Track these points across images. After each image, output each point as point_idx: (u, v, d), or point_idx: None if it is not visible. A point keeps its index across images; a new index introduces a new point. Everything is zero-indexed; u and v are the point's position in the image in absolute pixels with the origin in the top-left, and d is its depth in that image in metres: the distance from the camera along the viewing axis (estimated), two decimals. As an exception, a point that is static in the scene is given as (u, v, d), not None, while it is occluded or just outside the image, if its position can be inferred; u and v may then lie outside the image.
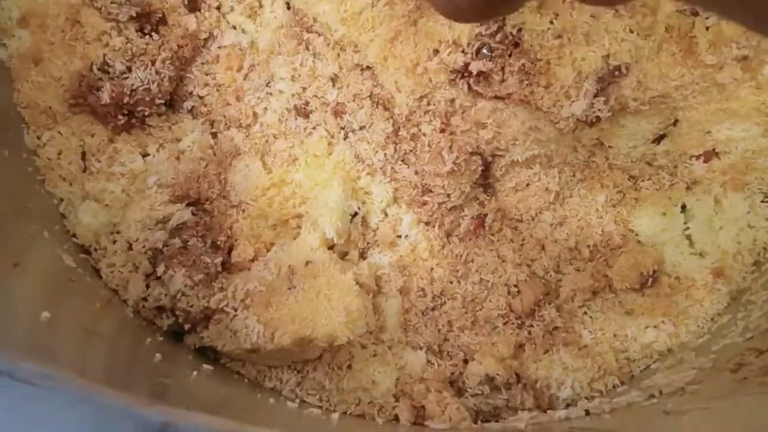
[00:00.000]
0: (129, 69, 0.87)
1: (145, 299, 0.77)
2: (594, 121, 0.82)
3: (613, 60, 0.77)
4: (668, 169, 0.91)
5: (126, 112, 0.86)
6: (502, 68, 0.77)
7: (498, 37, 0.75)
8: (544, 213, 0.91)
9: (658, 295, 0.88)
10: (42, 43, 0.87)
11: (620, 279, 0.88)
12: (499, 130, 0.83)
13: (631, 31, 0.76)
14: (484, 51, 0.77)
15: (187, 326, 0.76)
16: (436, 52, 0.79)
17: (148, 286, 0.78)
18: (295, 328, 0.72)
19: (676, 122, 0.88)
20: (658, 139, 0.89)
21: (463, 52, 0.78)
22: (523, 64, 0.76)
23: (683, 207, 0.91)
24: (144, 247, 0.80)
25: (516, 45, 0.76)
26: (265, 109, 0.89)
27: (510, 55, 0.77)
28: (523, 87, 0.78)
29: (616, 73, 0.78)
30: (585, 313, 0.89)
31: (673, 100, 0.82)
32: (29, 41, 0.87)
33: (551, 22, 0.75)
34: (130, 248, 0.80)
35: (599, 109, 0.81)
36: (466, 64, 0.78)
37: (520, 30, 0.76)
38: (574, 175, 0.91)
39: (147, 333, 0.72)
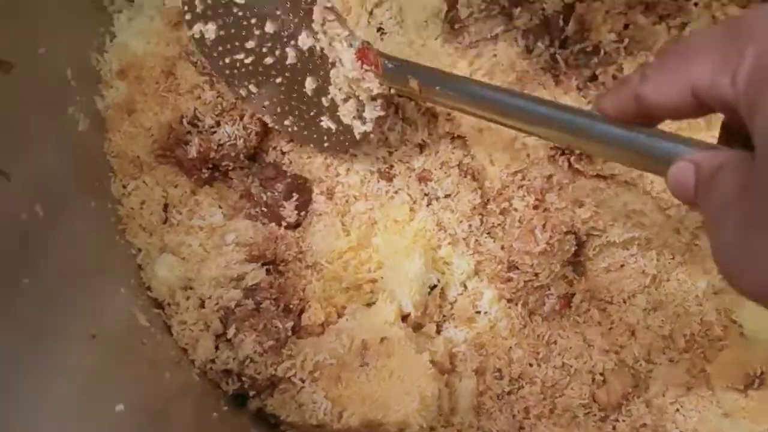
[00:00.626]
0: (218, 123, 0.87)
1: (212, 361, 0.75)
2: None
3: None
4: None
5: (211, 166, 0.86)
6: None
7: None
8: (638, 296, 0.84)
9: (765, 398, 0.78)
10: (137, 93, 0.88)
11: (720, 376, 0.80)
12: (597, 210, 0.78)
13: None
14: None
15: (252, 393, 0.73)
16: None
17: (217, 348, 0.76)
18: (365, 409, 0.68)
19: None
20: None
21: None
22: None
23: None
24: (217, 305, 0.78)
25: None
26: (348, 169, 0.87)
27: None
28: (631, 169, 0.72)
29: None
30: (677, 410, 0.81)
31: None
32: (125, 92, 0.89)
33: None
34: (202, 306, 0.79)
35: None
36: (570, 142, 0.72)
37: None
38: (673, 258, 0.84)
39: (211, 397, 0.69)
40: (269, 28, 0.76)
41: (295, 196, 0.83)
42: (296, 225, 0.85)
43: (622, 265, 0.84)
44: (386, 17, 0.86)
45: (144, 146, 0.87)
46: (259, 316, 0.76)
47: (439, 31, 0.79)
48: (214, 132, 0.86)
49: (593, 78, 0.76)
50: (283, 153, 0.90)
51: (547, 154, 0.76)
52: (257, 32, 0.77)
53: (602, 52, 0.73)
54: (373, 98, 0.73)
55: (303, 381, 0.71)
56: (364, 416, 0.68)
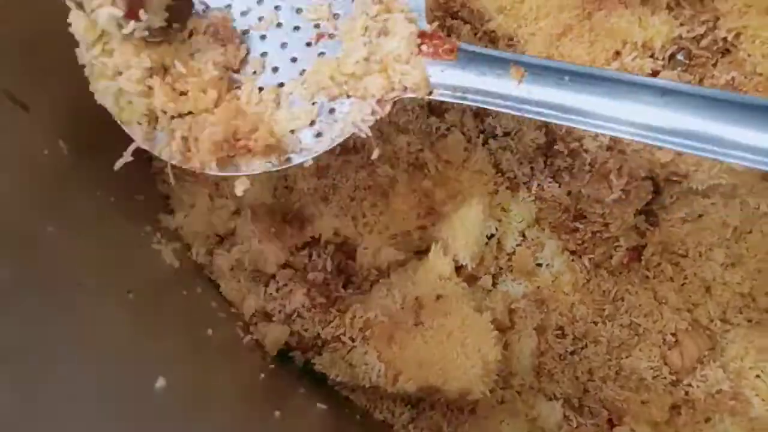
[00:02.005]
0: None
1: (256, 314, 0.69)
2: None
3: None
4: None
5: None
6: (701, 80, 0.61)
7: (704, 43, 0.59)
8: (716, 250, 0.75)
9: None
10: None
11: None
12: (680, 153, 0.68)
13: None
14: (680, 57, 0.61)
15: (298, 350, 0.67)
16: (617, 54, 0.63)
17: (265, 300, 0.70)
18: (423, 374, 0.62)
19: None
20: None
21: (652, 56, 0.62)
22: (733, 78, 0.60)
23: None
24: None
25: (726, 53, 0.60)
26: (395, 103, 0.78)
27: (715, 65, 0.60)
28: (725, 106, 0.62)
29: None
30: (758, 376, 0.73)
31: None
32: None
33: (774, 27, 0.58)
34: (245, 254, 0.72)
35: None
36: (655, 72, 0.62)
37: (738, 35, 0.59)
38: (758, 208, 0.74)
39: (257, 355, 0.63)
40: None
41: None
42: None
43: (701, 215, 0.75)
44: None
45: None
46: (312, 269, 0.70)
47: None
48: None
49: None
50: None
51: None
52: None
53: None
54: (381, 100, 0.53)
55: (353, 340, 0.65)
56: (421, 381, 0.62)
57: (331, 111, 0.54)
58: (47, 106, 0.58)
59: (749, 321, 0.75)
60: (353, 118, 0.53)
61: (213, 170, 0.54)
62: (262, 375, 0.60)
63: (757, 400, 0.71)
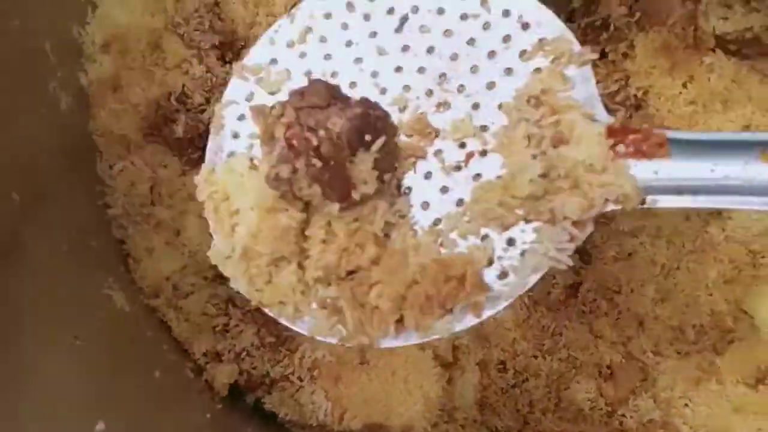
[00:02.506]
0: (207, 101, 0.81)
1: (210, 354, 0.71)
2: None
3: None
4: (795, 245, 0.78)
5: (200, 146, 0.80)
6: (618, 131, 0.67)
7: (618, 98, 0.65)
8: (647, 286, 0.80)
9: (776, 394, 0.75)
10: (122, 68, 0.82)
11: (730, 370, 0.76)
12: (608, 196, 0.72)
13: (781, 100, 0.64)
14: (599, 111, 0.66)
15: (248, 388, 0.69)
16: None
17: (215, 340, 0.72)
18: (368, 411, 0.65)
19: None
20: (786, 213, 0.76)
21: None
22: (645, 129, 0.65)
23: (811, 292, 0.77)
24: (216, 296, 0.74)
25: (638, 107, 0.66)
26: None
27: (630, 118, 0.66)
28: (641, 154, 0.67)
29: (754, 144, 0.66)
30: (686, 405, 0.77)
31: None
32: (110, 67, 0.82)
33: (684, 86, 0.64)
34: (201, 295, 0.75)
35: None
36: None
37: (646, 92, 0.65)
38: (683, 246, 0.80)
39: (205, 395, 0.65)
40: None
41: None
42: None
43: (631, 254, 0.80)
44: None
45: (131, 124, 0.81)
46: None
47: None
48: (204, 110, 0.80)
49: (603, 56, 0.70)
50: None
51: None
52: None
53: (612, 26, 0.67)
54: (578, 222, 0.42)
55: (301, 380, 0.67)
56: (366, 418, 0.64)
57: (510, 242, 0.44)
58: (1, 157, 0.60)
59: (679, 353, 0.79)
60: (545, 248, 0.43)
61: (389, 341, 0.44)
62: (209, 415, 0.61)
63: (686, 428, 0.75)
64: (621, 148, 0.42)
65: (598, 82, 0.63)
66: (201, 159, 0.80)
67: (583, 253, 0.80)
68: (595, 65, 0.66)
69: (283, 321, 0.47)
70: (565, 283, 0.78)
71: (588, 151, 0.42)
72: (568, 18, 0.68)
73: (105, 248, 0.72)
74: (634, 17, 0.65)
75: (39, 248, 0.61)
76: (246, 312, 0.73)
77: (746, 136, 0.41)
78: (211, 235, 0.68)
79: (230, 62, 0.83)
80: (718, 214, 0.78)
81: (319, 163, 0.41)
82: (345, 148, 0.42)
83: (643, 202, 0.42)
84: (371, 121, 0.44)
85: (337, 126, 0.42)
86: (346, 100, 0.45)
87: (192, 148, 0.80)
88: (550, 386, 0.77)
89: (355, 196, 0.42)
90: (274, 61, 0.55)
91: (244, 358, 0.70)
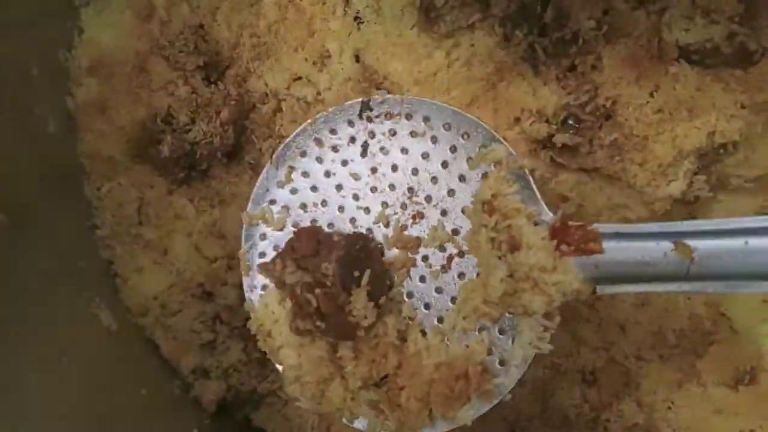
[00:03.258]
0: (193, 121, 0.82)
1: (198, 371, 0.71)
2: (692, 201, 0.72)
3: (720, 137, 0.67)
4: (770, 250, 0.79)
5: (186, 165, 0.82)
6: (591, 141, 0.69)
7: (588, 108, 0.67)
8: (626, 292, 0.81)
9: (756, 394, 0.76)
10: (108, 91, 0.84)
11: (711, 371, 0.78)
12: (582, 203, 0.74)
13: (743, 107, 0.66)
14: (570, 122, 0.68)
15: (236, 404, 0.70)
16: (518, 120, 0.70)
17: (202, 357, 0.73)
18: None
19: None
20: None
21: (547, 121, 0.69)
22: (616, 139, 0.67)
23: (785, 293, 0.79)
24: (204, 313, 0.75)
25: (608, 117, 0.68)
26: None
27: (600, 127, 0.68)
28: (614, 162, 0.69)
29: (722, 150, 0.68)
30: (669, 408, 0.78)
31: (785, 179, 0.72)
32: (96, 90, 0.84)
33: (651, 95, 0.66)
34: (188, 313, 0.76)
35: (699, 189, 0.71)
36: (550, 135, 0.69)
37: (614, 102, 0.67)
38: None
39: (192, 412, 0.66)
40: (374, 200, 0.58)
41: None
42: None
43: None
44: (363, 5, 0.82)
45: (118, 146, 0.83)
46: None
47: (415, 20, 0.75)
48: (189, 130, 0.82)
49: (572, 68, 0.72)
50: (262, 152, 0.86)
51: (529, 148, 0.72)
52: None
53: (581, 40, 0.69)
54: (548, 314, 0.50)
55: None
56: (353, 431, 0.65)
57: (502, 332, 0.52)
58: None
59: (661, 357, 0.80)
60: (528, 338, 0.51)
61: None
62: (195, 431, 0.62)
63: (669, 430, 0.76)
64: (564, 248, 0.48)
65: (569, 93, 0.65)
66: (186, 178, 0.83)
67: (563, 261, 0.81)
68: (565, 77, 0.69)
69: (346, 422, 0.54)
70: (546, 290, 0.79)
71: (537, 255, 0.49)
72: (540, 33, 0.70)
73: (92, 268, 0.73)
74: (602, 30, 0.68)
75: (26, 269, 0.62)
76: (233, 328, 0.74)
77: (658, 227, 0.46)
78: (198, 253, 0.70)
79: (215, 82, 0.85)
80: (693, 218, 0.80)
81: (323, 325, 0.49)
82: (341, 293, 0.50)
83: (593, 291, 0.48)
84: (356, 255, 0.52)
85: (329, 270, 0.49)
86: (330, 240, 0.52)
87: (178, 168, 0.81)
88: (535, 393, 0.78)
89: (360, 332, 0.50)
90: (272, 202, 0.62)
91: (231, 374, 0.71)
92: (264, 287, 0.58)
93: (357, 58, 0.83)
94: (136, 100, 0.84)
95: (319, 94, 0.86)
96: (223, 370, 0.70)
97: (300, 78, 0.86)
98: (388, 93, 0.81)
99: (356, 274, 0.51)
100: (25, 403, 0.50)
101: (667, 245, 0.45)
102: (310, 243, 0.52)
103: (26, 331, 0.55)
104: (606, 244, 0.47)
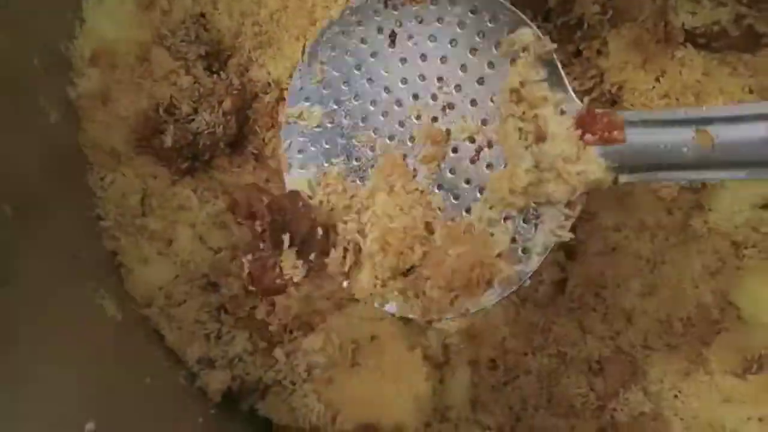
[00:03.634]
0: (195, 111, 0.82)
1: (203, 360, 0.71)
2: (699, 187, 0.71)
3: (728, 122, 0.66)
4: (777, 236, 0.79)
5: (190, 155, 0.81)
6: (596, 128, 0.68)
7: (594, 94, 0.66)
8: (632, 280, 0.81)
9: (764, 382, 0.76)
10: (110, 81, 0.83)
11: (719, 360, 0.77)
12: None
13: (751, 91, 0.65)
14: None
15: (241, 394, 0.70)
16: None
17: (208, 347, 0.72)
18: (360, 412, 0.65)
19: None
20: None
21: (553, 108, 0.68)
22: (621, 126, 0.66)
23: (795, 281, 0.78)
24: (209, 303, 0.75)
25: (614, 103, 0.67)
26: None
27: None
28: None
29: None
30: (676, 396, 0.78)
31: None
32: (98, 80, 0.83)
33: (657, 80, 0.65)
34: (193, 302, 0.75)
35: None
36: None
37: (620, 88, 0.66)
38: (667, 239, 0.80)
39: (198, 402, 0.65)
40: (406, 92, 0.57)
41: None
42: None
43: (615, 248, 0.80)
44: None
45: (120, 136, 0.82)
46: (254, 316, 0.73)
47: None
48: (192, 120, 0.81)
49: (578, 53, 0.71)
50: (265, 141, 0.85)
51: None
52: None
53: (586, 25, 0.68)
54: (570, 203, 0.50)
55: (294, 384, 0.68)
56: (358, 419, 0.64)
57: (525, 221, 0.53)
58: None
59: (668, 345, 0.80)
60: (549, 227, 0.51)
61: (448, 315, 0.55)
62: (201, 420, 0.62)
63: (677, 420, 0.76)
64: (588, 137, 0.49)
65: (574, 79, 0.64)
66: (189, 169, 0.82)
67: (568, 250, 0.80)
68: (570, 63, 0.68)
69: (377, 306, 0.57)
70: (551, 278, 0.79)
71: (561, 146, 0.50)
72: (545, 18, 0.69)
73: (96, 259, 0.72)
74: (607, 15, 0.66)
75: (30, 260, 0.61)
76: (238, 318, 0.74)
77: (680, 114, 0.47)
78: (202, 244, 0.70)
79: (217, 72, 0.84)
80: (700, 207, 0.79)
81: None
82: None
83: (615, 181, 0.49)
84: (281, 220, 0.57)
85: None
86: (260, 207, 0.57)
87: (181, 158, 0.80)
88: (541, 382, 0.77)
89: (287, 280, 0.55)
90: (307, 99, 0.64)
91: (236, 364, 0.71)
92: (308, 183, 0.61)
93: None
94: (138, 90, 0.83)
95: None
96: (229, 360, 0.70)
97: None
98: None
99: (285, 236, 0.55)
100: (28, 394, 0.50)
101: (688, 133, 0.45)
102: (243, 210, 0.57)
103: (32, 320, 0.55)
104: (629, 132, 0.47)
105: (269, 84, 0.85)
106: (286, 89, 0.84)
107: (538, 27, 0.66)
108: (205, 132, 0.80)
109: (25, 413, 0.46)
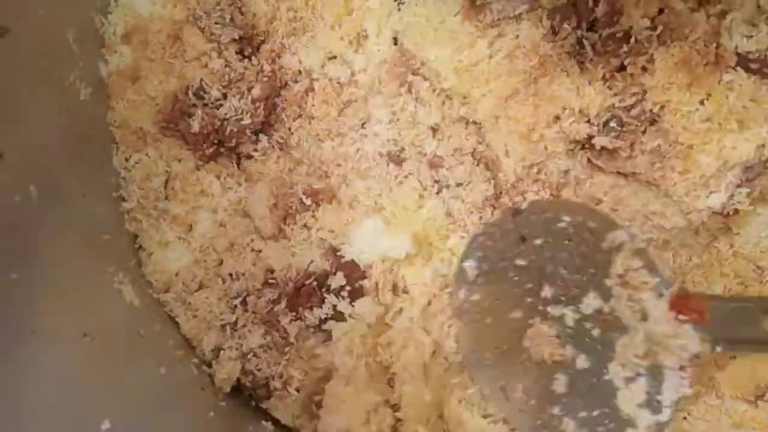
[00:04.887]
0: (224, 96, 0.79)
1: (218, 351, 0.70)
2: (730, 213, 0.68)
3: (769, 151, 0.62)
4: (803, 264, 0.75)
5: (215, 141, 0.79)
6: (632, 145, 0.64)
7: (634, 112, 0.62)
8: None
9: (776, 412, 0.73)
10: (142, 60, 0.81)
11: (730, 386, 0.74)
12: (615, 208, 0.70)
13: (799, 121, 0.61)
14: (613, 124, 0.64)
15: (251, 390, 0.69)
16: (557, 118, 0.66)
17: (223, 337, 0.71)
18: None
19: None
20: (795, 231, 0.74)
21: (588, 122, 0.65)
22: (659, 145, 0.63)
23: (814, 310, 0.74)
24: (226, 293, 0.73)
25: (653, 122, 0.63)
26: (358, 150, 0.80)
27: (644, 132, 0.63)
28: (654, 169, 0.65)
29: (768, 165, 0.64)
30: (684, 418, 0.75)
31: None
32: (130, 58, 0.81)
33: (701, 103, 0.61)
34: (211, 292, 0.74)
35: (739, 202, 0.66)
36: (590, 137, 0.65)
37: (662, 107, 0.62)
38: (690, 259, 0.77)
39: (209, 394, 0.64)
40: (547, 292, 0.65)
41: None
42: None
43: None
44: (406, -14, 0.77)
45: (148, 116, 0.80)
46: (272, 312, 0.71)
47: (459, 6, 0.70)
48: (221, 105, 0.79)
49: (621, 68, 0.67)
50: (291, 131, 0.82)
51: (566, 148, 0.68)
52: (529, 299, 0.65)
53: (633, 39, 0.64)
54: (682, 367, 0.61)
55: (298, 391, 0.66)
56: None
57: (655, 379, 0.61)
58: (19, 154, 0.59)
59: (681, 368, 0.77)
60: (673, 384, 0.61)
61: None
62: (212, 413, 0.60)
63: (684, 441, 0.74)
64: (681, 317, 0.59)
65: (614, 95, 0.61)
66: (215, 154, 0.80)
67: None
68: (612, 77, 0.64)
69: None
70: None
71: (661, 326, 0.60)
72: (589, 27, 0.65)
73: (117, 241, 0.71)
74: (656, 31, 0.62)
75: (54, 243, 0.60)
76: (255, 313, 0.72)
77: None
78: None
79: (249, 57, 0.82)
80: (727, 228, 0.76)
81: None
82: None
83: (713, 350, 0.59)
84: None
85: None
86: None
87: (207, 144, 0.78)
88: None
89: None
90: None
91: (250, 358, 0.69)
92: None
93: (395, 41, 0.79)
94: (168, 71, 0.81)
95: (353, 75, 0.82)
96: (242, 353, 0.69)
97: (335, 57, 0.83)
98: (425, 79, 0.77)
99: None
100: (48, 380, 0.49)
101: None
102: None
103: (50, 307, 0.54)
104: (716, 312, 0.58)
105: (300, 72, 0.83)
106: (317, 80, 0.81)
107: (582, 37, 0.63)
108: (233, 118, 0.78)
109: (40, 404, 0.45)
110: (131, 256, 0.71)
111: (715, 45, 0.61)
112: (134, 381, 0.56)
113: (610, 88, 0.64)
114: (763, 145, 0.62)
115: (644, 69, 0.63)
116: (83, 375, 0.51)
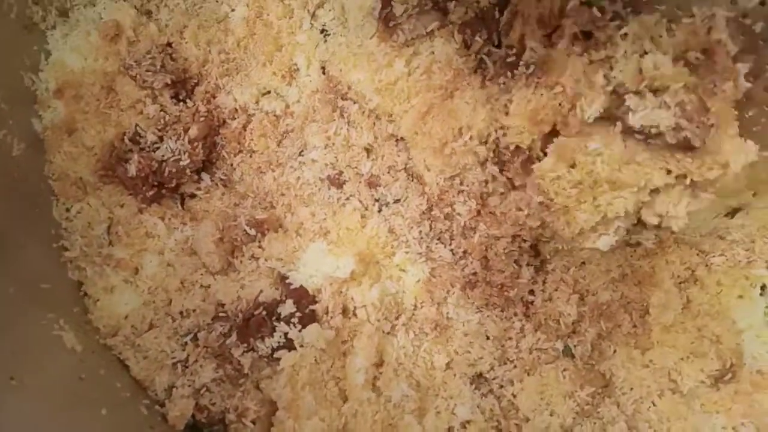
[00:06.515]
0: (161, 139, 0.79)
1: (170, 389, 0.68)
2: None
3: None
4: (744, 244, 0.75)
5: (155, 183, 0.78)
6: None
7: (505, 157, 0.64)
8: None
9: (736, 392, 0.72)
10: (76, 112, 0.81)
11: (689, 372, 0.73)
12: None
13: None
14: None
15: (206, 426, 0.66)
16: (461, 133, 0.67)
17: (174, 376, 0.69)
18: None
19: (754, 194, 0.72)
20: (732, 213, 0.74)
21: (485, 143, 0.66)
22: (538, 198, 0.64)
23: (763, 288, 0.74)
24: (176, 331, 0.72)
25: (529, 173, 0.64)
26: (298, 178, 0.80)
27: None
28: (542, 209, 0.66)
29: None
30: (649, 409, 0.74)
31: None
32: (63, 112, 0.81)
33: (568, 171, 0.61)
34: (160, 332, 0.72)
35: (646, 239, 0.68)
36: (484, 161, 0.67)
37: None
38: (635, 251, 0.77)
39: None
40: None
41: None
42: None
43: (584, 262, 0.77)
44: (329, 18, 0.79)
45: (87, 166, 0.79)
46: (223, 346, 0.69)
47: (374, 29, 0.71)
48: (157, 148, 0.79)
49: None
50: (233, 167, 0.82)
51: (477, 161, 0.68)
52: None
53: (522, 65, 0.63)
54: None
55: (254, 423, 0.64)
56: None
57: None
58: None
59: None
60: None
61: None
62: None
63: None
64: None
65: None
66: (156, 196, 0.79)
67: (537, 269, 0.77)
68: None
69: None
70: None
71: None
72: (496, 44, 0.66)
73: (58, 289, 0.69)
74: (528, 69, 0.62)
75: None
76: (206, 348, 0.70)
77: None
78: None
79: (184, 100, 0.82)
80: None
81: None
82: None
83: None
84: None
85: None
86: None
87: (147, 186, 0.78)
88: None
89: None
90: None
91: (203, 393, 0.67)
92: None
93: (323, 70, 0.80)
94: (104, 121, 0.81)
95: (288, 107, 0.83)
96: (195, 389, 0.66)
97: (269, 92, 0.83)
98: (354, 102, 0.77)
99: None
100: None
101: None
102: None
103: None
104: None
105: (236, 110, 0.83)
106: (254, 114, 0.82)
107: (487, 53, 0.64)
108: (171, 159, 0.78)
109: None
110: (74, 303, 0.69)
111: (569, 108, 0.59)
112: (75, 424, 0.54)
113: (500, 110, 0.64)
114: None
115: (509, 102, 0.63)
116: (22, 417, 0.49)
